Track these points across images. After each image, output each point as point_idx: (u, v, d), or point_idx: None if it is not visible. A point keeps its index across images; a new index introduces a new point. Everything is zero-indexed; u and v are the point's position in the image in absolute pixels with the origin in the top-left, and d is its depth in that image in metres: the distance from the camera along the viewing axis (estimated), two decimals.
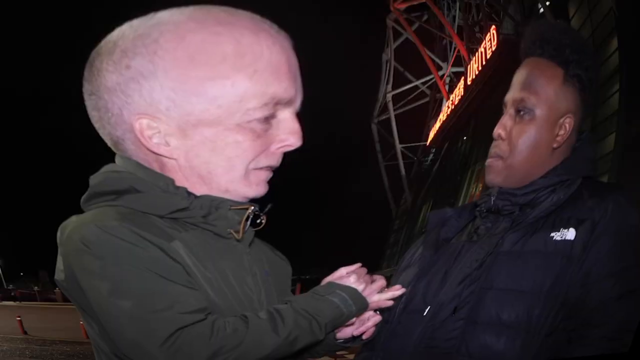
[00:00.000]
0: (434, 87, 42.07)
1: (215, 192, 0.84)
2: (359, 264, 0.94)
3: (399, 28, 40.68)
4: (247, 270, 0.86)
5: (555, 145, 1.07)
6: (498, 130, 1.09)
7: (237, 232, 0.84)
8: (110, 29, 0.84)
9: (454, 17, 37.31)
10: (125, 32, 0.82)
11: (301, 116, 0.88)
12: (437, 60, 39.23)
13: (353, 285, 0.88)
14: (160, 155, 0.82)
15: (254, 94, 0.80)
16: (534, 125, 1.06)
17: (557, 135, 1.07)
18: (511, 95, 1.09)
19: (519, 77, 1.09)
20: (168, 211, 0.80)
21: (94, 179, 0.84)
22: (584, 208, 1.00)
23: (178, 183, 0.82)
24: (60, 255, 0.78)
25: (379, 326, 0.98)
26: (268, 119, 0.83)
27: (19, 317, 12.81)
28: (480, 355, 0.96)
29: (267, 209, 0.89)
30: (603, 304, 0.92)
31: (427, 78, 42.45)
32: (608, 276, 0.93)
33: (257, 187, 0.86)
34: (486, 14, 29.03)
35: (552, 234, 0.99)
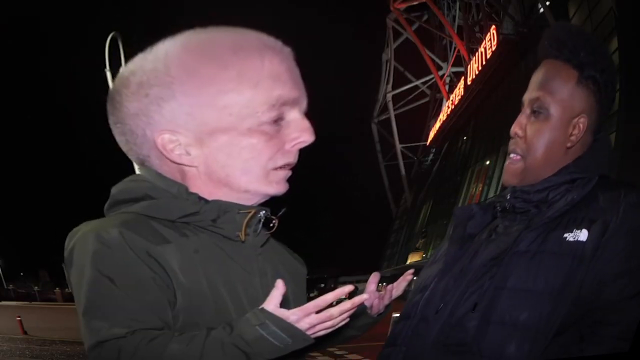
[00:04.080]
0: (434, 87, 42.12)
1: (235, 193, 0.90)
2: (348, 289, 0.81)
3: (399, 28, 40.73)
4: (256, 271, 0.91)
5: (569, 145, 1.09)
6: (515, 129, 1.12)
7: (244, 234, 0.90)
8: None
9: (454, 17, 37.34)
10: (135, 69, 0.90)
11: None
12: (437, 60, 39.26)
13: (293, 323, 0.78)
14: (182, 164, 0.90)
15: (260, 100, 0.87)
16: (548, 124, 1.09)
17: (571, 134, 1.09)
18: (528, 95, 1.13)
19: (536, 78, 1.13)
20: (178, 215, 0.87)
21: (115, 188, 0.93)
22: (597, 208, 1.01)
23: (197, 189, 0.90)
24: (64, 254, 0.85)
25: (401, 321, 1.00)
26: (277, 121, 0.89)
27: (19, 317, 12.82)
28: (492, 354, 0.97)
29: (280, 213, 0.94)
30: (615, 304, 0.93)
31: (427, 78, 42.51)
32: (621, 275, 0.94)
33: (277, 186, 0.92)
34: (486, 14, 29.06)
35: (565, 235, 1.00)
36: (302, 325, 0.78)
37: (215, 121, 0.87)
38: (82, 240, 0.81)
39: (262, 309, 0.78)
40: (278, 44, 0.92)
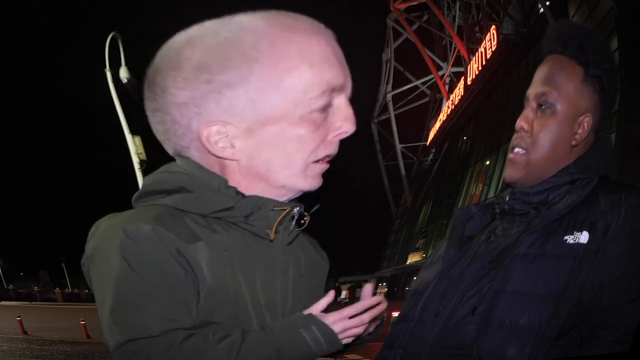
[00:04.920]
0: (434, 87, 42.11)
1: (271, 189, 0.86)
2: (375, 300, 0.88)
3: (399, 28, 40.70)
4: (279, 271, 0.87)
5: (573, 143, 1.08)
6: (521, 123, 1.10)
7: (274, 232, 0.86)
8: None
9: (454, 17, 37.32)
10: (193, 38, 0.83)
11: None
12: (437, 60, 39.25)
13: (331, 325, 0.82)
14: (224, 158, 0.84)
15: (314, 82, 0.83)
16: (554, 120, 1.08)
17: (576, 133, 1.08)
18: (533, 89, 1.11)
19: (540, 72, 1.11)
20: (211, 210, 0.82)
21: (148, 179, 0.87)
22: (598, 210, 1.00)
23: (235, 182, 0.85)
24: (86, 247, 0.81)
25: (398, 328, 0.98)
26: (326, 108, 0.85)
27: (19, 317, 12.81)
28: (492, 358, 0.96)
29: (313, 210, 0.90)
30: (616, 307, 0.92)
31: (427, 78, 42.49)
32: (621, 278, 0.93)
33: (312, 181, 0.88)
34: (486, 14, 29.03)
35: (565, 237, 0.99)
36: (336, 328, 0.82)
37: (273, 108, 0.82)
38: (109, 234, 0.77)
39: (310, 314, 0.83)
40: (321, 25, 0.88)
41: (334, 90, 0.86)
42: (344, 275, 46.90)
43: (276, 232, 0.86)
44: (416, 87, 44.73)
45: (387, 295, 34.16)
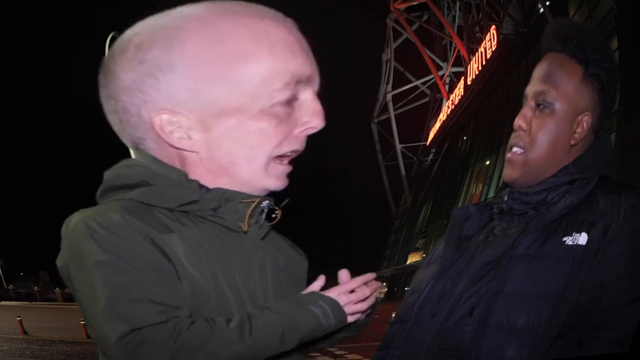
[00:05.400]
0: (434, 87, 42.10)
1: (236, 184, 0.83)
2: (371, 276, 0.89)
3: (399, 28, 40.69)
4: (256, 264, 0.85)
5: (572, 142, 1.07)
6: (519, 122, 1.09)
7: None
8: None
9: (454, 17, 37.32)
10: (140, 28, 0.81)
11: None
12: (437, 60, 39.24)
13: (336, 298, 0.83)
14: (182, 149, 0.82)
15: (277, 72, 0.79)
16: (553, 119, 1.06)
17: (575, 132, 1.07)
18: (532, 87, 1.10)
19: (539, 70, 1.10)
20: (177, 204, 0.80)
21: (108, 174, 0.84)
22: (597, 211, 0.99)
23: (197, 176, 0.82)
24: (62, 246, 0.78)
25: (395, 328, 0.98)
26: (291, 102, 0.82)
27: (19, 317, 12.80)
28: (489, 359, 0.95)
29: (283, 204, 0.88)
30: (615, 308, 0.91)
31: (427, 78, 42.49)
32: (621, 279, 0.92)
33: (276, 180, 0.85)
34: (486, 14, 29.03)
35: (564, 238, 0.98)
36: (341, 301, 0.83)
37: (225, 100, 0.78)
38: (79, 228, 0.74)
39: (311, 292, 0.84)
40: (279, 14, 0.84)
41: (300, 82, 0.82)
42: None
43: (248, 225, 0.83)
44: (416, 87, 44.75)
45: (387, 295, 34.14)
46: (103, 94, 0.83)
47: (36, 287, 49.30)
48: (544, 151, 1.07)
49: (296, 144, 0.85)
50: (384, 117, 44.60)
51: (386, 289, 35.18)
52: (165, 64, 0.77)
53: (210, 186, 0.83)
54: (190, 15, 0.80)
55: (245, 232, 0.84)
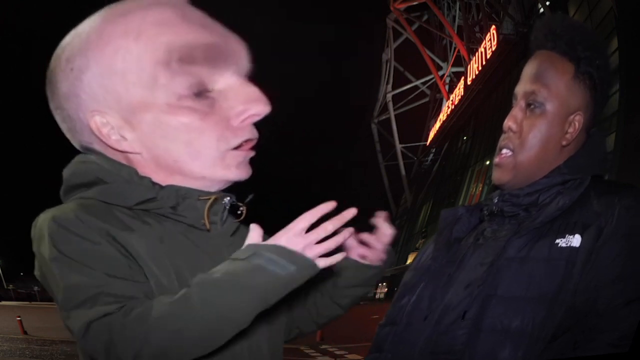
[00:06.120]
0: (434, 87, 42.11)
1: (191, 181, 0.82)
2: (326, 207, 0.75)
3: (399, 28, 40.71)
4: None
5: (564, 143, 1.05)
6: (508, 123, 1.06)
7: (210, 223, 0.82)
8: None
9: (454, 17, 37.32)
10: (68, 39, 0.83)
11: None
12: (437, 60, 39.24)
13: (285, 244, 0.72)
14: (124, 152, 0.81)
15: (149, 56, 0.77)
16: (544, 120, 1.04)
17: (567, 132, 1.04)
18: (522, 87, 1.07)
19: (529, 69, 1.07)
20: (134, 202, 0.79)
21: (66, 172, 0.84)
22: (591, 212, 0.96)
23: (149, 175, 0.81)
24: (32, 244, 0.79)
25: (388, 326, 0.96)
26: (201, 93, 0.79)
27: (19, 317, 12.80)
28: None
29: (247, 200, 0.85)
30: (610, 310, 0.89)
31: (427, 78, 42.50)
32: (615, 282, 0.90)
33: (237, 170, 0.82)
34: (486, 14, 29.03)
35: (557, 241, 0.96)
36: (296, 246, 0.72)
37: (128, 95, 0.78)
38: (40, 228, 0.76)
39: (247, 245, 0.74)
40: (188, 5, 0.82)
41: (195, 61, 0.77)
42: None
43: (212, 223, 0.82)
44: (416, 87, 44.76)
45: (387, 295, 34.14)
46: (51, 106, 0.85)
47: (36, 287, 49.33)
48: (535, 153, 1.04)
49: (244, 134, 0.81)
50: (384, 117, 44.60)
51: (386, 289, 35.18)
52: (84, 65, 0.79)
53: (165, 184, 0.81)
54: (99, 15, 0.82)
55: (208, 230, 0.82)
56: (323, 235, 0.74)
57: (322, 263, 0.74)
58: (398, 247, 40.40)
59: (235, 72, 0.81)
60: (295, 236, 0.73)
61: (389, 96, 44.28)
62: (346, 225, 0.77)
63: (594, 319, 0.89)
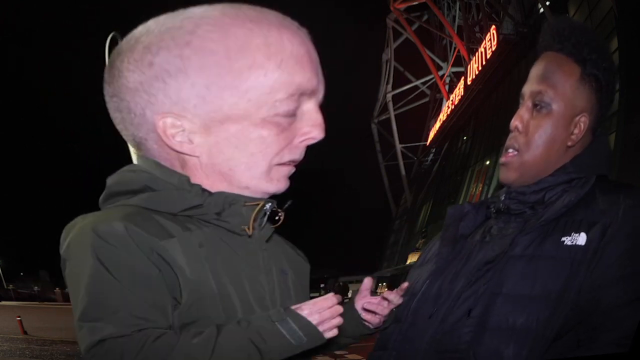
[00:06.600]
0: (434, 87, 42.08)
1: (235, 189, 0.83)
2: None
3: (399, 28, 40.67)
4: (262, 268, 0.85)
5: (569, 144, 1.06)
6: (515, 122, 1.08)
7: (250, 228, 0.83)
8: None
9: (454, 17, 37.30)
10: (150, 27, 0.80)
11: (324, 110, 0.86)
12: (437, 60, 39.23)
13: (306, 317, 0.77)
14: (183, 153, 0.81)
15: (282, 83, 0.79)
16: (550, 120, 1.05)
17: (572, 133, 1.06)
18: (529, 87, 1.08)
19: (536, 70, 1.09)
20: (180, 208, 0.80)
21: (110, 179, 0.84)
22: (596, 211, 0.98)
23: (198, 181, 0.82)
24: (64, 244, 0.78)
25: (392, 324, 0.98)
26: (293, 113, 0.82)
27: (19, 317, 12.81)
28: None
29: (286, 206, 0.88)
30: (614, 309, 0.90)
31: (427, 78, 42.48)
32: (620, 280, 0.91)
33: (277, 183, 0.85)
34: (486, 14, 29.01)
35: (562, 239, 0.97)
36: (313, 319, 0.77)
37: (230, 107, 0.78)
38: (80, 235, 0.75)
39: (287, 307, 0.77)
40: (295, 23, 0.83)
41: (304, 94, 0.82)
42: (344, 276, 46.88)
43: (252, 229, 0.83)
44: (416, 87, 44.72)
45: None
46: (107, 91, 0.82)
47: (36, 287, 49.32)
48: (540, 153, 1.06)
49: (296, 154, 0.85)
50: (384, 117, 44.57)
51: (386, 289, 35.15)
52: (175, 69, 0.77)
53: (211, 190, 0.82)
54: (203, 18, 0.79)
55: (250, 236, 0.83)
56: (336, 314, 0.78)
57: (328, 334, 0.79)
58: (398, 247, 40.40)
59: (316, 100, 0.85)
60: (318, 312, 0.77)
61: (389, 96, 44.25)
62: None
63: (597, 317, 0.90)
